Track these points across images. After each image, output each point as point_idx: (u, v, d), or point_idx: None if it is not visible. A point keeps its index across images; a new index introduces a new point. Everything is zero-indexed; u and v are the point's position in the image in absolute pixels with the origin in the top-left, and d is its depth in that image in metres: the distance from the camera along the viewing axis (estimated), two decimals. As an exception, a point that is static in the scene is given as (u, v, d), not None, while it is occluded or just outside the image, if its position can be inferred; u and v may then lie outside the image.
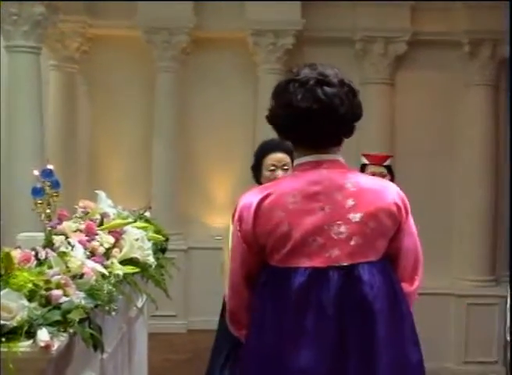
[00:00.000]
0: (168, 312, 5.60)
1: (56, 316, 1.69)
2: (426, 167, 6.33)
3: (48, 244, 2.23)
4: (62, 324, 1.68)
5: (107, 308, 1.98)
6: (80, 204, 2.75)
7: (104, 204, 2.78)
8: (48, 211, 2.61)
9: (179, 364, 5.44)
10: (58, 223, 2.46)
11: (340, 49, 6.17)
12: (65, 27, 6.01)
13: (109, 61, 6.41)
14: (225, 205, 5.97)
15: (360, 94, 1.94)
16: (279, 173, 3.20)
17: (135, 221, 2.89)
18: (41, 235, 2.37)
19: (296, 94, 1.85)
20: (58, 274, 1.86)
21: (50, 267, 1.92)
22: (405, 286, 1.97)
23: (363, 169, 3.85)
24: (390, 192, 1.92)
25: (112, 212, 2.76)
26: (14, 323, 1.61)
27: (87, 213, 2.69)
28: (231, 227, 3.36)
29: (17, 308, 1.63)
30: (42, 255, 2.01)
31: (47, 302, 1.74)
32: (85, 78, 6.48)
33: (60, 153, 6.13)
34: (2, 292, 1.65)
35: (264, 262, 1.91)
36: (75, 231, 2.40)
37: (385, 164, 3.91)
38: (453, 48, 6.26)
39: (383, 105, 6.25)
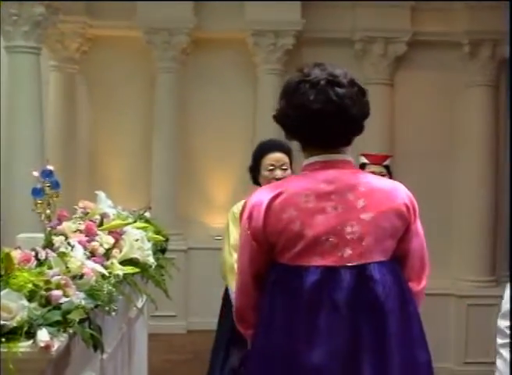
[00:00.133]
0: (168, 312, 5.60)
1: (56, 316, 1.69)
2: (426, 167, 6.32)
3: (48, 244, 2.23)
4: (62, 324, 1.68)
5: (107, 308, 1.98)
6: (80, 204, 2.75)
7: (104, 204, 2.78)
8: (47, 211, 2.60)
9: (179, 364, 5.44)
10: (58, 224, 2.46)
11: (340, 49, 6.16)
12: (65, 28, 6.01)
13: (109, 61, 6.40)
14: (224, 205, 5.96)
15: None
16: (278, 172, 3.21)
17: (135, 221, 2.90)
18: (41, 236, 2.37)
19: (308, 95, 1.85)
20: (58, 274, 1.86)
21: (50, 267, 1.92)
22: (412, 285, 1.98)
23: (362, 168, 3.84)
24: (400, 193, 1.93)
25: (111, 212, 2.76)
26: (14, 323, 1.61)
27: (86, 214, 2.69)
28: (231, 226, 3.37)
29: (17, 308, 1.63)
30: (42, 255, 2.01)
31: (47, 303, 1.74)
32: (85, 78, 6.48)
33: (60, 153, 6.12)
34: (2, 292, 1.65)
35: (272, 261, 1.92)
36: (75, 232, 2.40)
37: (384, 164, 3.91)
38: (453, 49, 6.25)
39: (383, 105, 6.23)
